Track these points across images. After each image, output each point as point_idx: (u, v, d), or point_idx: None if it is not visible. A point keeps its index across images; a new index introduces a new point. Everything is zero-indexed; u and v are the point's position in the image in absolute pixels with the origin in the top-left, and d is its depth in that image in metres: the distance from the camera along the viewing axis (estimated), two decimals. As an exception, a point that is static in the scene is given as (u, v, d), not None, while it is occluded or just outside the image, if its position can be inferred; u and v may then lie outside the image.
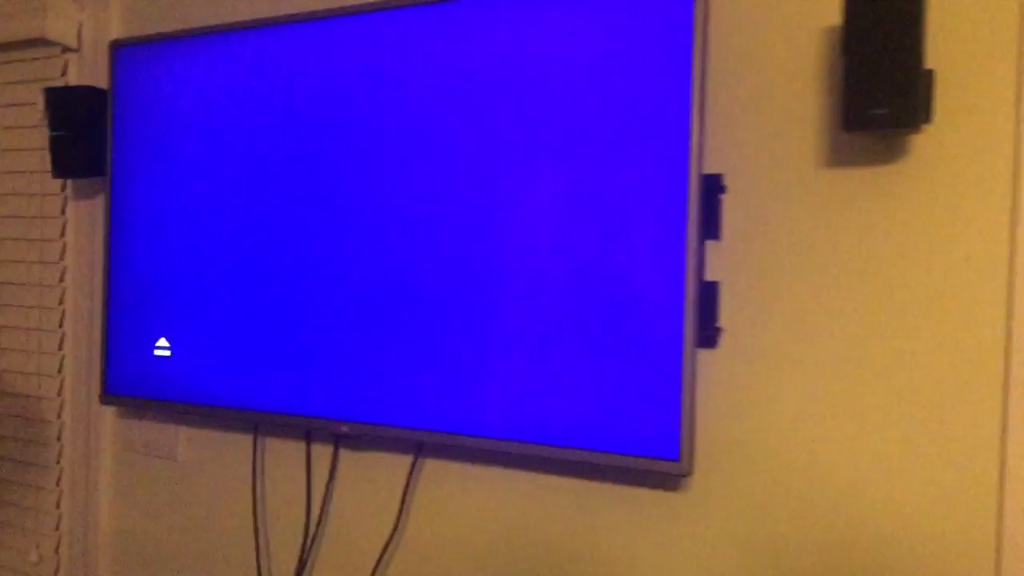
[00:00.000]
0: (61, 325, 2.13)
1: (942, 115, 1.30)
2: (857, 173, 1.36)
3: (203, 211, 1.82)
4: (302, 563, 1.83)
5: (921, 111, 1.23)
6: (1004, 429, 1.26)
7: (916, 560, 1.31)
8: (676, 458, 1.38)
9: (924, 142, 1.31)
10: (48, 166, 2.13)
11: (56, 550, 2.15)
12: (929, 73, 1.27)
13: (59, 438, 2.13)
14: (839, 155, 1.37)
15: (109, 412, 2.09)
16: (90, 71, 2.10)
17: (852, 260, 1.36)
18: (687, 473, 1.38)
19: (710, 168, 1.45)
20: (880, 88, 1.22)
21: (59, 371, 2.13)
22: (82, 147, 1.97)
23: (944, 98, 1.30)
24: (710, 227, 1.43)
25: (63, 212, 2.13)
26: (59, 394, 2.13)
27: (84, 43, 2.11)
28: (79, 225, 2.11)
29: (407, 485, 1.73)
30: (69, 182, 2.12)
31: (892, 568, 1.33)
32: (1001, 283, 1.27)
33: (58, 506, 2.14)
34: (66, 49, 2.12)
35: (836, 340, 1.37)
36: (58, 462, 2.14)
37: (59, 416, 2.13)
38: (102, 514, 2.10)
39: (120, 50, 1.94)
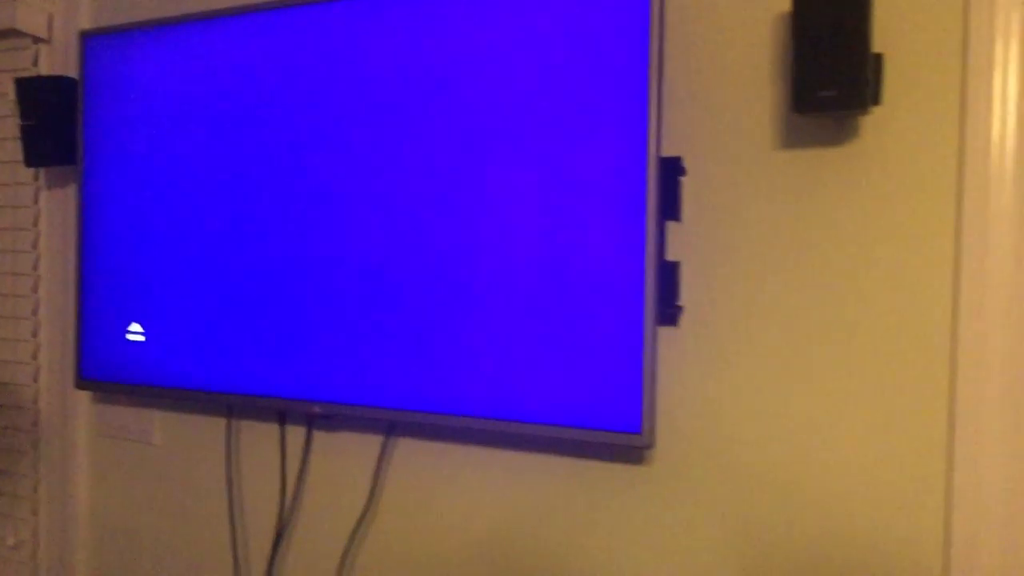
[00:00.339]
0: (35, 313, 2.15)
1: (891, 98, 1.35)
2: (810, 154, 1.40)
3: (175, 198, 1.84)
4: (277, 542, 1.86)
5: (869, 94, 1.27)
6: (952, 389, 1.31)
7: (871, 527, 1.36)
8: (638, 431, 1.42)
9: (873, 124, 1.36)
10: (19, 156, 2.14)
11: (34, 534, 2.17)
12: (878, 57, 1.32)
13: (35, 424, 2.15)
14: (793, 137, 1.42)
15: (84, 397, 2.11)
16: (61, 61, 2.11)
17: (806, 239, 1.41)
18: (649, 445, 1.42)
19: (669, 151, 1.49)
20: (828, 71, 1.27)
21: (33, 358, 2.14)
22: (53, 136, 1.99)
23: (893, 81, 1.35)
24: (670, 208, 1.47)
25: (36, 201, 2.14)
26: (35, 380, 2.15)
27: (55, 33, 2.12)
28: (51, 214, 2.12)
29: (379, 464, 1.76)
30: (41, 171, 2.13)
31: (850, 537, 1.38)
32: (948, 260, 1.32)
33: (35, 491, 2.16)
34: (37, 39, 2.12)
35: (791, 318, 1.42)
36: (35, 448, 2.16)
37: (35, 402, 2.15)
38: (79, 498, 2.12)
39: (90, 40, 1.95)
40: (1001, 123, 1.28)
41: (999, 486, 1.29)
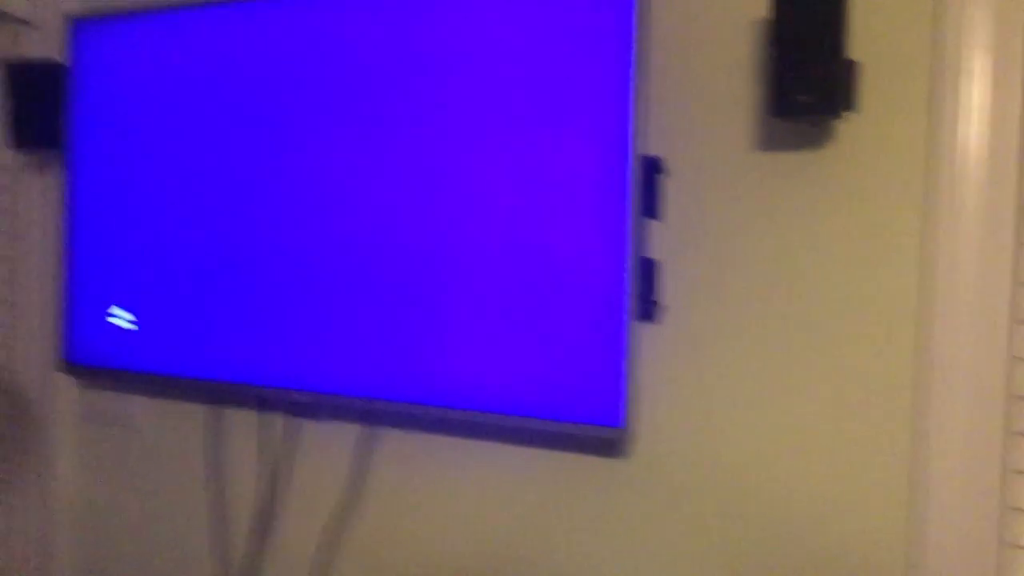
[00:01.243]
0: (12, 296, 2.14)
1: (865, 103, 1.40)
2: (786, 157, 1.45)
3: (160, 184, 1.86)
4: (258, 531, 1.89)
5: (843, 99, 1.32)
6: (919, 384, 1.37)
7: (841, 522, 1.42)
8: (621, 425, 1.46)
9: (847, 128, 1.41)
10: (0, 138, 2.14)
11: (16, 518, 2.17)
12: (852, 63, 1.37)
13: (14, 407, 2.15)
14: (770, 140, 1.46)
15: (67, 382, 2.12)
16: (41, 43, 2.11)
17: (782, 239, 1.46)
18: (630, 440, 1.46)
19: (650, 150, 1.53)
20: (804, 77, 1.31)
21: (10, 341, 2.14)
22: (39, 119, 1.99)
23: (867, 88, 1.39)
24: (650, 206, 1.51)
25: (13, 183, 2.14)
26: (12, 364, 2.14)
27: (37, 16, 2.12)
28: (30, 197, 2.12)
29: (359, 453, 1.79)
30: (19, 155, 2.13)
31: (822, 533, 1.44)
32: (915, 261, 1.37)
33: (18, 475, 2.17)
34: (20, 21, 2.12)
35: (767, 316, 1.47)
36: (16, 432, 2.16)
37: (12, 385, 2.15)
38: (61, 482, 2.13)
39: (78, 23, 1.95)
40: (967, 129, 1.33)
41: (961, 483, 1.35)
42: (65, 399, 2.12)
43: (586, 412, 1.49)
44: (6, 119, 2.00)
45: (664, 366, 1.53)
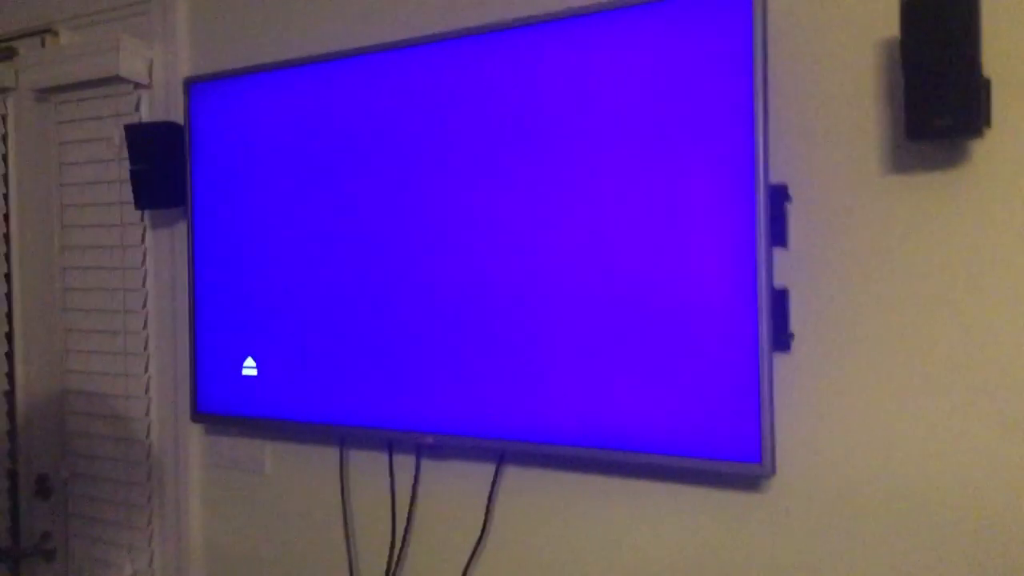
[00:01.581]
0: (146, 348, 2.24)
1: (999, 120, 1.35)
2: (919, 180, 1.41)
3: (282, 235, 1.91)
4: (389, 573, 1.91)
5: (980, 118, 1.28)
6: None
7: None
8: (758, 460, 1.44)
9: (984, 147, 1.36)
10: (125, 197, 2.24)
11: (150, 564, 2.25)
12: (987, 81, 1.33)
13: (149, 456, 2.24)
14: (901, 163, 1.42)
15: (197, 429, 2.19)
16: (161, 105, 2.20)
17: (916, 265, 1.42)
18: (769, 475, 1.44)
19: (776, 178, 1.51)
20: (941, 98, 1.28)
21: (146, 392, 2.23)
22: (160, 179, 2.07)
23: (1000, 105, 1.35)
24: (779, 235, 1.49)
25: (143, 241, 2.23)
26: (147, 414, 2.23)
27: (155, 79, 2.22)
28: (159, 253, 2.22)
29: (491, 494, 1.80)
30: (147, 212, 2.22)
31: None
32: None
33: (150, 522, 2.25)
34: (138, 85, 2.22)
35: (902, 342, 1.43)
36: (149, 479, 2.24)
37: (148, 435, 2.23)
38: (192, 527, 2.20)
39: (194, 86, 2.04)
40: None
41: None
42: (195, 446, 2.20)
43: (722, 448, 1.47)
44: (130, 179, 2.09)
45: (799, 397, 1.50)
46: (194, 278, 2.04)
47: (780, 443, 1.52)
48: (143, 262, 2.24)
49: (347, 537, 1.98)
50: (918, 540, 1.42)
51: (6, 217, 2.51)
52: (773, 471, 1.44)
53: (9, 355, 2.51)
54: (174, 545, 2.21)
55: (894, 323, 1.43)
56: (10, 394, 2.51)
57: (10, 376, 2.51)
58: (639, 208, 1.53)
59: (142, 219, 2.24)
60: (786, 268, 1.51)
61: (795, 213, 1.50)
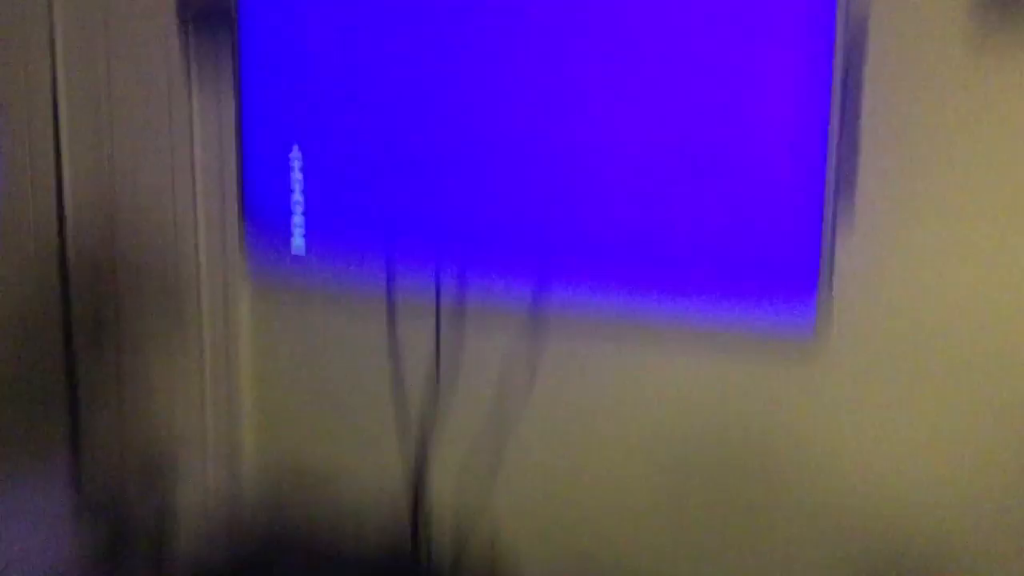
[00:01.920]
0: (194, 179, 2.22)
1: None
2: (990, 43, 1.36)
3: (339, 78, 1.87)
4: (432, 417, 1.92)
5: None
6: None
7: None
8: (813, 319, 1.44)
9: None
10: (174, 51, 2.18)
11: (201, 392, 2.30)
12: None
13: (198, 305, 2.27)
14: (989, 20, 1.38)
15: (246, 283, 2.21)
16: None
17: (984, 133, 1.39)
18: (824, 335, 1.43)
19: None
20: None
21: (195, 248, 2.23)
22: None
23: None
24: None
25: (189, 99, 2.19)
26: (196, 267, 2.24)
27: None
28: (205, 105, 2.18)
29: (530, 340, 1.80)
30: (193, 67, 2.17)
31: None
32: None
33: (201, 355, 2.30)
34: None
35: (967, 218, 1.41)
36: (199, 312, 2.28)
37: (197, 290, 2.24)
38: (243, 359, 2.26)
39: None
40: None
41: None
42: (246, 299, 2.24)
43: (779, 303, 1.47)
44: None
45: (861, 271, 1.49)
46: (241, 119, 1.99)
47: (839, 312, 1.50)
48: (189, 122, 2.19)
49: (394, 380, 1.97)
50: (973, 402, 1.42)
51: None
52: (828, 332, 1.44)
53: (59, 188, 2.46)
54: (224, 376, 2.26)
55: (961, 188, 1.41)
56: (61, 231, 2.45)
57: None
58: (722, 58, 1.49)
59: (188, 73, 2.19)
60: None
61: (871, 74, 1.45)
